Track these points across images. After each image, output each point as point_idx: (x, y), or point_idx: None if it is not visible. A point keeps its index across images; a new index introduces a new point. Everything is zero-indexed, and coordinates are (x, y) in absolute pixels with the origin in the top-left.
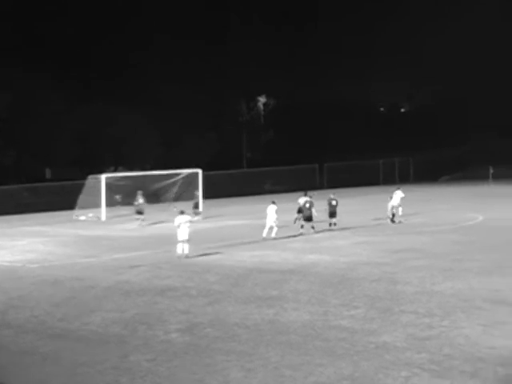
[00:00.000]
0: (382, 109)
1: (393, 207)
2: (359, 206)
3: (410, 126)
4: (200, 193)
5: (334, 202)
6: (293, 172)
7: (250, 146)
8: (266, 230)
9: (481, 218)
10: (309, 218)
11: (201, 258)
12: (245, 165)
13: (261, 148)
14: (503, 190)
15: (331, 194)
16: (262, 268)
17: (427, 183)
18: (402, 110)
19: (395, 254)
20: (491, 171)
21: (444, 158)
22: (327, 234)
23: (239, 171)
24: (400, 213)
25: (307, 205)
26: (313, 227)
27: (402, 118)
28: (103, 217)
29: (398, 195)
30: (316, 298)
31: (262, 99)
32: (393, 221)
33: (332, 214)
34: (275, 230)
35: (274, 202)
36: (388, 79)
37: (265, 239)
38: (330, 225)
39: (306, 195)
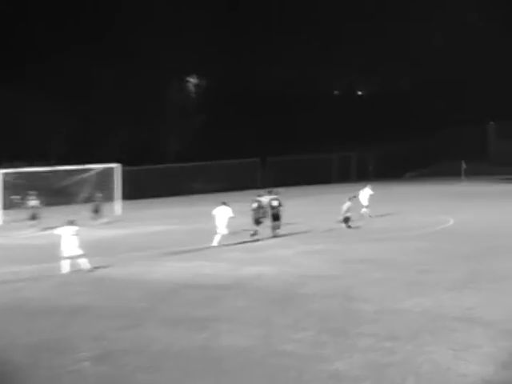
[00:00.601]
0: (335, 92)
1: (348, 209)
2: (309, 208)
3: (368, 113)
4: (117, 192)
5: (274, 203)
6: (229, 167)
7: (180, 137)
8: (219, 238)
9: (452, 221)
10: (276, 217)
11: (118, 270)
12: (172, 159)
13: (191, 138)
14: (477, 189)
15: (270, 193)
16: (193, 282)
17: (390, 181)
18: (359, 93)
19: (352, 264)
20: (464, 167)
21: (410, 151)
22: (271, 241)
23: (165, 167)
24: (369, 214)
25: (274, 202)
26: (275, 229)
27: (359, 103)
28: None
29: (366, 192)
30: (257, 319)
31: (192, 80)
32: (348, 225)
33: (275, 218)
34: (219, 236)
35: (225, 203)
36: (345, 59)
37: (214, 247)
38: (273, 230)
39: (271, 193)
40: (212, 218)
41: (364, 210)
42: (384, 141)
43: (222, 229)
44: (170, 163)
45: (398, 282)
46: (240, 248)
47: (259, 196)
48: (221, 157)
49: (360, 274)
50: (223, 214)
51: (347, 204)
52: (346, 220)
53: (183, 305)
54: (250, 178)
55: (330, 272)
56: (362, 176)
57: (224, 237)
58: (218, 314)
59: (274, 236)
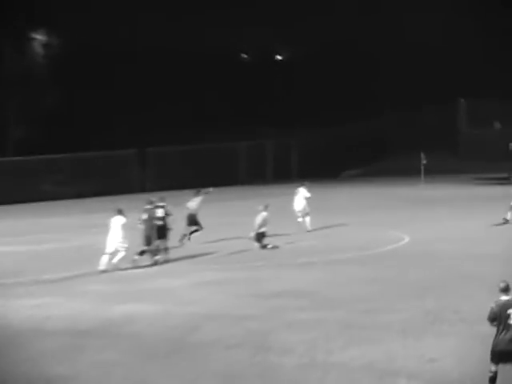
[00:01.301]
0: (244, 56)
1: (264, 221)
2: (209, 219)
3: (291, 86)
4: None
5: (159, 213)
6: (94, 162)
7: (23, 120)
8: (107, 258)
9: (406, 239)
10: (162, 234)
11: None
12: (12, 151)
13: (40, 123)
14: (442, 193)
15: (152, 198)
16: (40, 328)
17: (321, 181)
18: (279, 57)
19: (267, 300)
20: (423, 162)
21: (349, 140)
22: (154, 268)
23: (2, 161)
24: (308, 226)
25: (158, 212)
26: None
27: (277, 72)
28: None
29: (300, 195)
30: (129, 381)
31: (40, 37)
32: (263, 245)
33: (160, 235)
34: (122, 254)
35: (121, 212)
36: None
37: (104, 271)
38: (141, 253)
39: (199, 192)
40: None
41: (300, 219)
42: (313, 126)
43: (118, 245)
44: (9, 157)
45: (332, 324)
46: (110, 278)
47: (151, 204)
48: (82, 148)
49: (279, 312)
50: (119, 226)
51: (262, 215)
52: (260, 237)
53: (27, 360)
54: (122, 176)
55: (235, 311)
56: (281, 175)
57: (114, 258)
58: (75, 372)
59: (156, 263)
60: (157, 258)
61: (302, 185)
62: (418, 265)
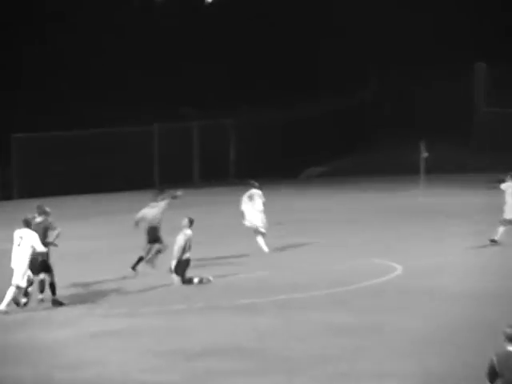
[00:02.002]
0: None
1: (187, 244)
2: (109, 241)
3: (224, 41)
4: None
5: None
6: None
7: None
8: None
9: (399, 268)
10: (45, 266)
11: None
12: None
13: None
14: (447, 200)
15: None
16: None
17: (272, 184)
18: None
19: (190, 360)
20: (424, 155)
21: (314, 124)
22: (26, 313)
23: None
24: (265, 246)
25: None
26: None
27: (202, 22)
28: None
29: (255, 202)
30: None
31: None
32: (188, 279)
33: (43, 267)
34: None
35: (27, 224)
36: None
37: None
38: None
39: (162, 194)
40: None
41: (259, 236)
42: (260, 105)
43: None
44: None
45: None
46: None
47: (39, 215)
48: None
49: (206, 380)
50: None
51: (186, 234)
52: (183, 267)
53: None
54: None
55: (143, 376)
56: (215, 172)
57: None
58: None
59: (25, 304)
60: (23, 300)
61: (253, 186)
62: (413, 307)
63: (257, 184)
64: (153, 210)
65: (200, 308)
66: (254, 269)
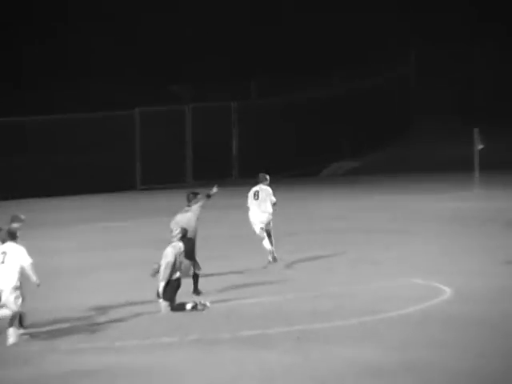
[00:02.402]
0: None
1: (177, 260)
2: (82, 258)
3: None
4: None
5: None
6: None
7: None
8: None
9: (447, 292)
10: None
11: None
12: None
13: None
14: (505, 204)
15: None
16: None
17: (287, 183)
18: None
19: None
20: (479, 147)
21: (332, 110)
22: None
23: None
24: (270, 249)
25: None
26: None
27: None
28: None
29: (262, 198)
30: None
31: None
32: (178, 306)
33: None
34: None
35: (12, 237)
36: None
37: None
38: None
39: (195, 196)
40: None
41: (268, 247)
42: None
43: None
44: None
45: None
46: None
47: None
48: None
49: None
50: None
51: (175, 247)
52: (170, 290)
53: None
54: None
55: None
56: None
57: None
58: None
59: None
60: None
61: (262, 180)
62: (464, 342)
63: (267, 177)
64: (186, 214)
65: (194, 341)
66: (262, 291)
